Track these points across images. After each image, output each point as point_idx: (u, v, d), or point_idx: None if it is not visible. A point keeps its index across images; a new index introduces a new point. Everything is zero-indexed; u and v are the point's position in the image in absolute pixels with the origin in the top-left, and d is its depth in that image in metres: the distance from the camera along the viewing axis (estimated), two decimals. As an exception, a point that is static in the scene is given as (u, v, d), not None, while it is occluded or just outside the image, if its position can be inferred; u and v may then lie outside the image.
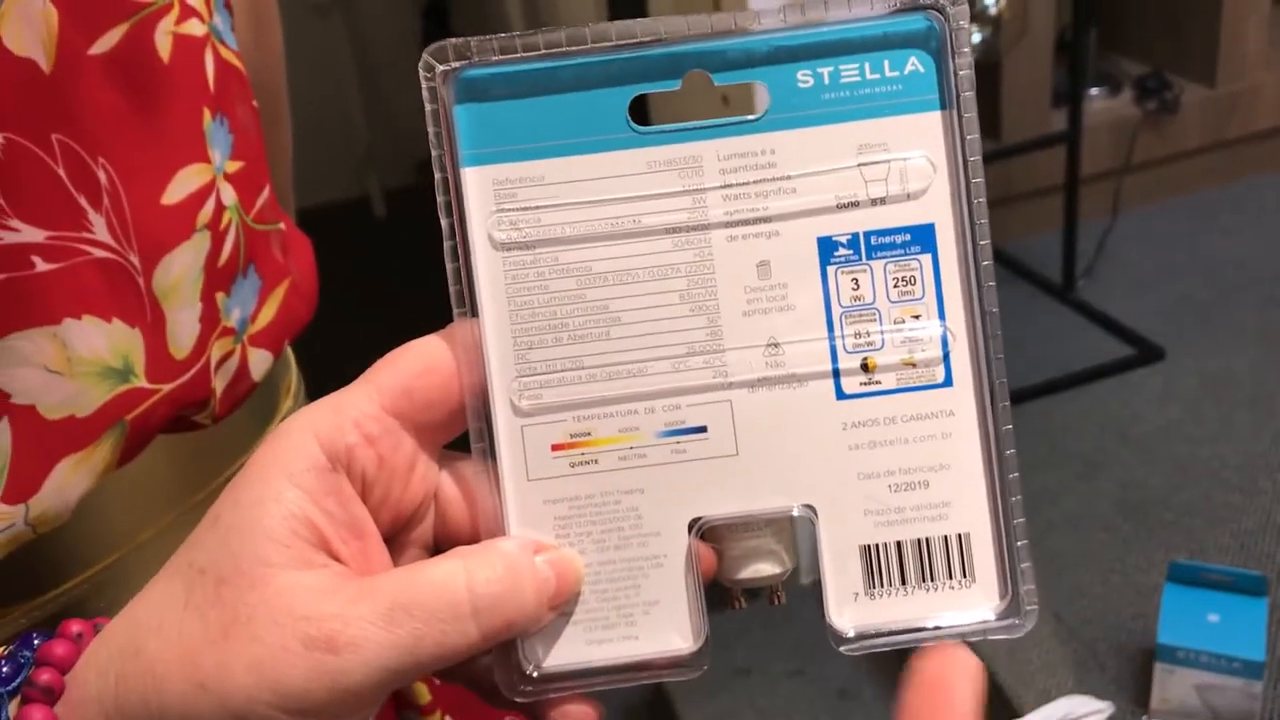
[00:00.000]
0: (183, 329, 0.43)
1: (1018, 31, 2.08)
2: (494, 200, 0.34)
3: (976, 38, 2.07)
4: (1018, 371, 2.05)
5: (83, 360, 0.40)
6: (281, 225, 0.51)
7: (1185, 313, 2.16)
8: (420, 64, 0.33)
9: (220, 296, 0.45)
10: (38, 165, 0.39)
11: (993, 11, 2.05)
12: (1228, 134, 2.52)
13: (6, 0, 0.37)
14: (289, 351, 0.56)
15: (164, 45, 0.42)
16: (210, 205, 0.43)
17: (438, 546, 0.36)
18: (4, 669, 0.32)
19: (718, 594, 0.36)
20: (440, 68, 0.33)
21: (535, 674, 0.35)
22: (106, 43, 0.40)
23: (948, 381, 0.34)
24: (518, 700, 0.35)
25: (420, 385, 0.33)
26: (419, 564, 0.32)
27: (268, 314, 0.48)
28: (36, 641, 0.33)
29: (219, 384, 0.45)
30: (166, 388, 0.43)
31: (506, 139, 0.34)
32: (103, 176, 0.40)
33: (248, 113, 0.47)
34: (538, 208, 0.34)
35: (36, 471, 0.40)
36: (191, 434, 0.46)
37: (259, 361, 0.48)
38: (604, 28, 0.33)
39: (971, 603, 0.34)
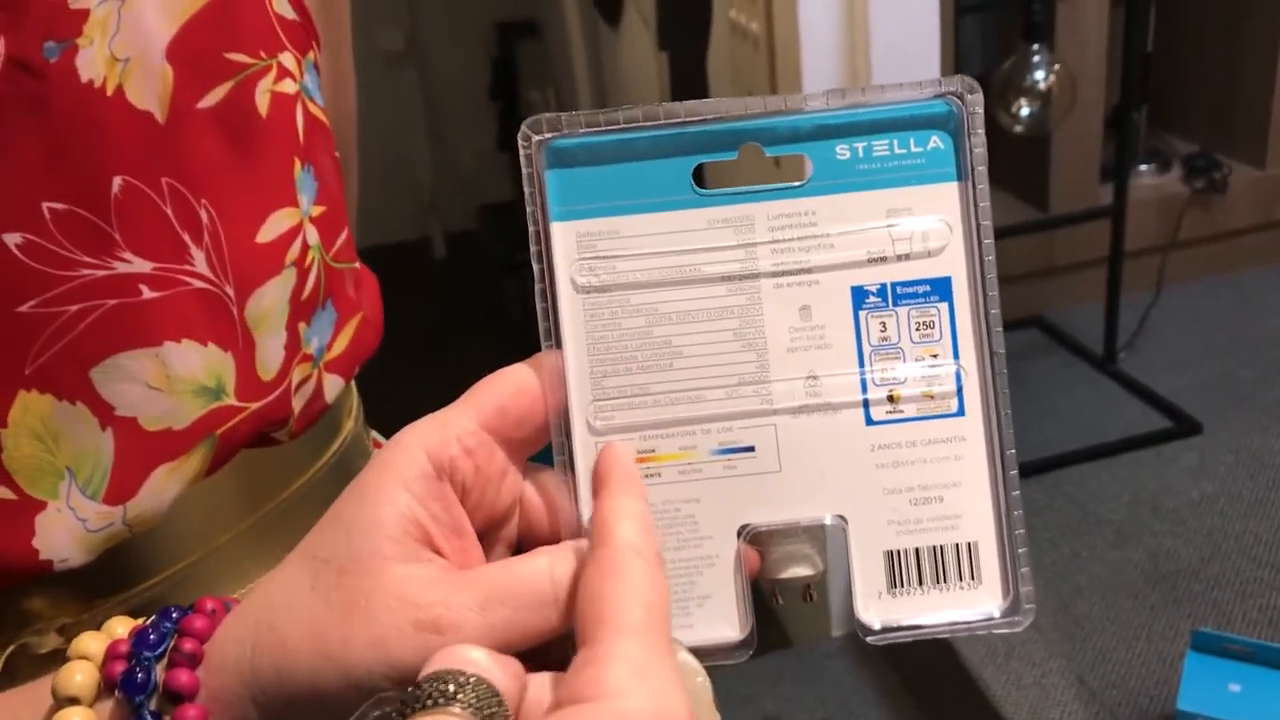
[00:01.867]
0: (270, 354, 0.48)
1: (1067, 106, 2.12)
2: (577, 250, 0.39)
3: (1025, 111, 2.11)
4: (1055, 438, 2.07)
5: (180, 379, 0.45)
6: (356, 264, 0.56)
7: (1224, 389, 2.17)
8: (519, 134, 0.39)
9: (302, 326, 0.49)
10: (149, 205, 0.44)
11: (1042, 87, 2.09)
12: (1275, 215, 2.53)
13: (133, 60, 0.43)
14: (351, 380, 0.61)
15: (263, 102, 0.47)
16: (297, 245, 0.48)
17: (520, 545, 0.41)
18: (151, 637, 0.37)
19: (758, 591, 0.41)
20: (536, 137, 0.39)
21: None
22: (213, 98, 0.45)
23: (960, 411, 0.39)
24: None
25: (512, 405, 0.38)
26: (510, 560, 0.37)
27: (341, 343, 0.53)
28: (176, 615, 0.38)
29: (297, 404, 0.50)
30: (253, 406, 0.47)
31: (589, 198, 0.39)
32: (204, 216, 0.45)
33: (330, 163, 0.52)
34: (613, 257, 0.39)
35: (135, 477, 0.45)
36: (265, 450, 0.50)
37: (332, 386, 0.52)
38: (673, 107, 0.38)
39: (978, 601, 0.39)
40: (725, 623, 0.40)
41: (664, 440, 0.40)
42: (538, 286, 0.39)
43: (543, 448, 0.40)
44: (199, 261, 0.45)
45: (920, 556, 0.40)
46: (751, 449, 0.40)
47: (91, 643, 0.38)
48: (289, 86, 0.48)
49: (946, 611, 0.39)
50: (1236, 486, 1.91)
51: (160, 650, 0.37)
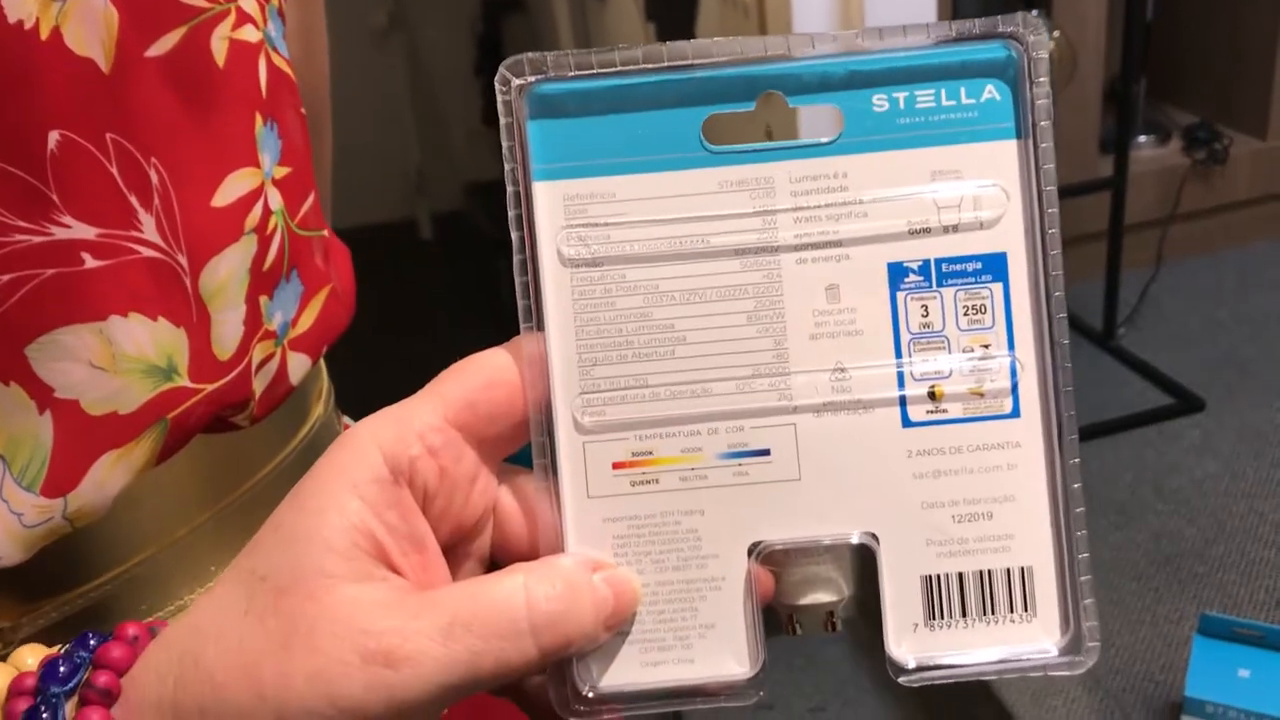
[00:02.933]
0: (227, 330, 0.44)
1: (1066, 76, 2.08)
2: (564, 215, 0.34)
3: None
4: (1054, 417, 2.04)
5: (127, 357, 0.41)
6: (325, 232, 0.51)
7: (1227, 365, 2.14)
8: (496, 78, 0.33)
9: (263, 300, 0.45)
10: (92, 163, 0.39)
11: (1041, 56, 2.05)
12: (1277, 187, 2.50)
13: (71, 1, 0.38)
14: (320, 360, 0.57)
15: (220, 50, 0.42)
16: (258, 209, 0.44)
17: (494, 559, 0.36)
18: (61, 669, 0.33)
19: (772, 618, 0.35)
20: (516, 81, 0.33)
21: (590, 694, 0.34)
22: (164, 45, 0.41)
23: (1015, 413, 0.34)
24: (570, 718, 0.34)
25: (485, 398, 0.33)
26: (479, 579, 0.32)
27: (308, 319, 0.49)
28: (93, 643, 0.33)
29: (259, 386, 0.46)
30: (209, 388, 0.43)
31: (578, 154, 0.34)
32: (154, 177, 0.41)
33: (296, 120, 0.48)
34: (607, 224, 0.34)
35: (77, 466, 0.40)
36: (225, 435, 0.46)
37: (298, 366, 0.48)
38: (680, 46, 0.33)
39: (1032, 637, 0.34)
40: (732, 657, 0.34)
41: (663, 441, 0.34)
42: (517, 258, 0.34)
43: (522, 447, 0.35)
44: (148, 227, 0.41)
45: (965, 583, 0.34)
46: (767, 453, 0.34)
47: None
48: (250, 34, 0.44)
49: (994, 649, 0.34)
50: (1241, 465, 1.88)
51: (73, 684, 0.32)
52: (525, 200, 0.34)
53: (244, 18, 0.44)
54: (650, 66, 0.33)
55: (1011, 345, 0.34)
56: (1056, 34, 2.04)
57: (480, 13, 3.65)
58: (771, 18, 1.61)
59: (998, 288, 0.34)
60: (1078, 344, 2.26)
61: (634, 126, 0.34)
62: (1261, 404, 2.02)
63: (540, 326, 0.34)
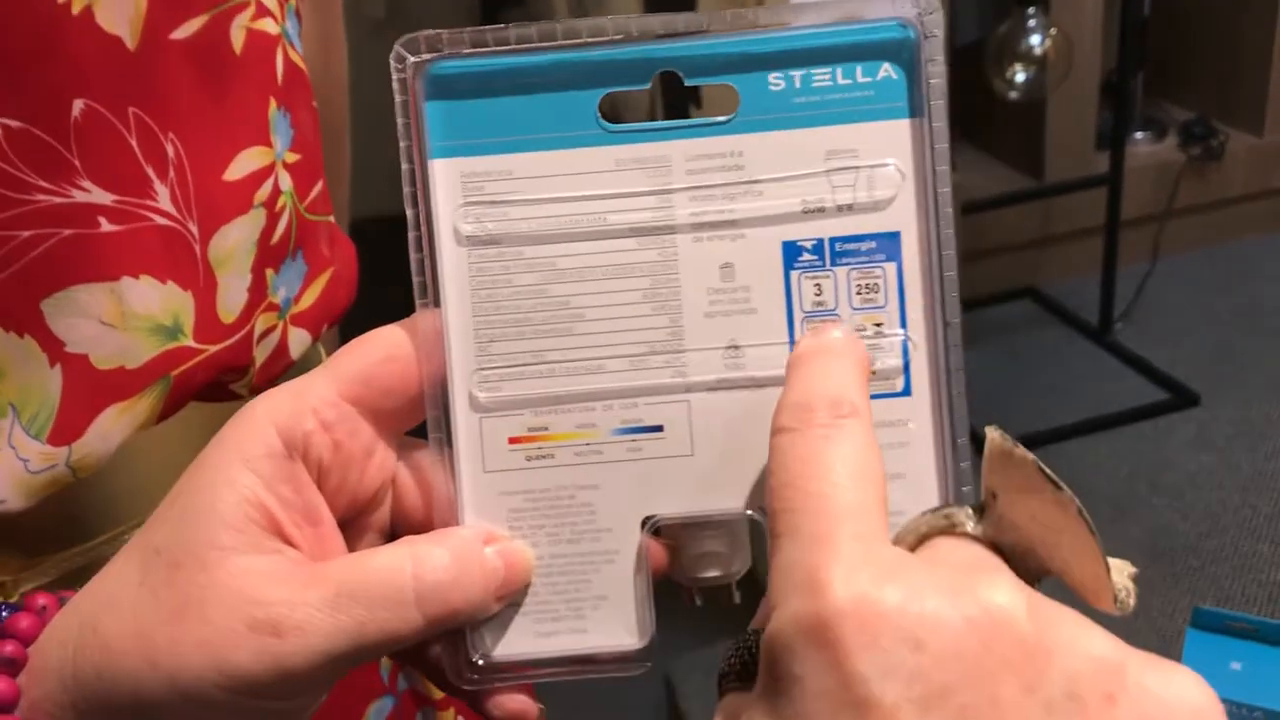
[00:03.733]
0: (231, 296, 0.45)
1: (1062, 72, 2.08)
2: (462, 193, 0.34)
3: (1020, 77, 2.07)
4: (1050, 412, 2.04)
5: (136, 316, 0.42)
6: (331, 218, 0.53)
7: (1222, 360, 2.14)
8: (391, 55, 0.33)
9: (269, 273, 0.47)
10: (113, 134, 0.41)
11: (1038, 52, 2.05)
12: (1273, 183, 2.50)
13: None
14: (319, 344, 0.58)
15: (238, 38, 0.44)
16: (268, 186, 0.45)
17: (394, 532, 0.36)
18: None
19: (673, 590, 0.36)
20: (412, 59, 0.33)
21: (483, 662, 0.35)
22: (187, 29, 0.42)
23: (906, 391, 0.34)
24: (465, 688, 0.35)
25: (379, 373, 0.33)
26: (367, 551, 0.33)
27: (310, 297, 0.50)
28: (4, 614, 0.34)
29: (259, 355, 0.47)
30: (212, 349, 0.45)
31: (476, 132, 0.34)
32: (171, 150, 0.42)
33: (308, 114, 0.49)
34: (505, 202, 0.34)
35: (82, 417, 0.41)
36: (224, 406, 0.47)
37: (298, 341, 0.49)
38: (575, 24, 0.33)
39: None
40: (623, 628, 0.35)
41: (559, 417, 0.34)
42: (412, 234, 0.34)
43: (421, 422, 0.35)
44: (163, 197, 0.42)
45: None
46: (660, 429, 0.34)
47: None
48: (269, 26, 0.46)
49: None
50: (1235, 459, 1.89)
51: None
52: (421, 178, 0.34)
53: (263, 11, 0.45)
54: (546, 45, 0.33)
55: (904, 324, 0.34)
56: (1053, 31, 2.04)
57: (478, 3, 3.66)
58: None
59: (891, 267, 0.34)
60: (1075, 339, 2.27)
61: (531, 105, 0.34)
62: (1257, 399, 2.02)
63: (437, 303, 0.34)
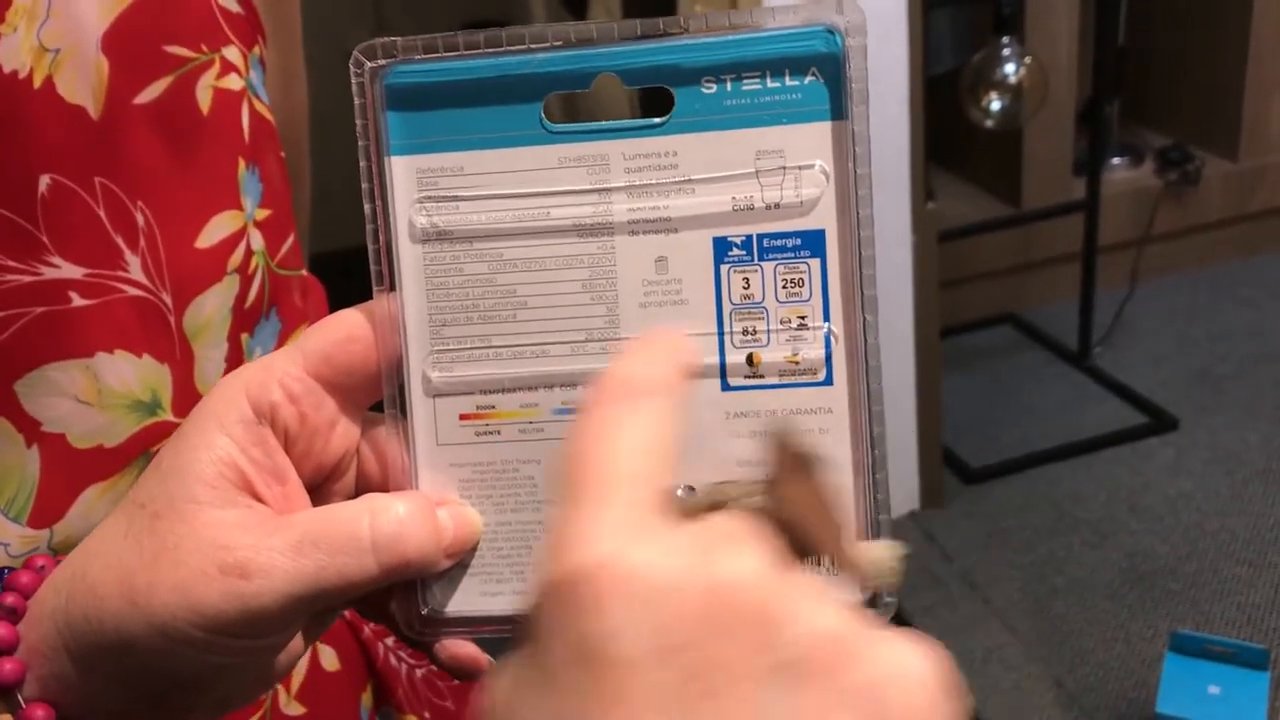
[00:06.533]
0: (210, 367, 0.46)
1: (1038, 101, 2.10)
2: (417, 188, 0.36)
3: (996, 106, 2.09)
4: (1029, 436, 2.05)
5: (113, 393, 0.42)
6: (303, 272, 0.53)
7: (1201, 384, 2.16)
8: (350, 60, 0.35)
9: (244, 337, 0.47)
10: (81, 206, 0.41)
11: (1013, 81, 2.07)
12: (1249, 208, 2.53)
13: (64, 50, 0.40)
14: None
15: (204, 98, 0.44)
16: (241, 250, 0.46)
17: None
18: None
19: None
20: (369, 64, 0.35)
21: (432, 615, 0.37)
22: (151, 93, 0.43)
23: (828, 380, 0.36)
24: (414, 637, 0.38)
25: (340, 353, 0.36)
26: (329, 506, 0.35)
27: None
28: (4, 572, 0.37)
29: None
30: None
31: (430, 132, 0.36)
32: (140, 219, 0.42)
33: (276, 164, 0.50)
34: (456, 197, 0.36)
35: (63, 498, 0.42)
36: None
37: None
38: (519, 31, 0.35)
39: (837, 588, 0.36)
40: None
41: (505, 397, 0.37)
42: (369, 226, 0.36)
43: (381, 398, 0.37)
44: (134, 267, 0.43)
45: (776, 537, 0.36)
46: None
47: None
48: (234, 83, 0.46)
49: None
50: (1213, 483, 1.90)
51: None
52: (378, 174, 0.36)
53: (228, 67, 0.45)
54: (492, 51, 0.35)
55: (827, 317, 0.36)
56: (1028, 60, 2.06)
57: (460, 30, 3.67)
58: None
59: (815, 263, 0.35)
60: (1054, 364, 2.28)
61: (481, 106, 0.36)
62: (1234, 422, 2.03)
63: (393, 289, 0.36)
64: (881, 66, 1.57)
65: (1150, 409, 2.08)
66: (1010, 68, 2.06)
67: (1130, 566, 1.75)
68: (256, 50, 0.49)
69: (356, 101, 0.36)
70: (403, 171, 0.36)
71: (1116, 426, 2.04)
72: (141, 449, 0.43)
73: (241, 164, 0.46)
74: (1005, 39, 2.06)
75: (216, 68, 0.45)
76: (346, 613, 0.58)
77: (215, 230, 0.45)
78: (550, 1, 2.85)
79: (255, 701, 0.36)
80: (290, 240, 0.51)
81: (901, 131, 1.62)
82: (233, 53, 0.46)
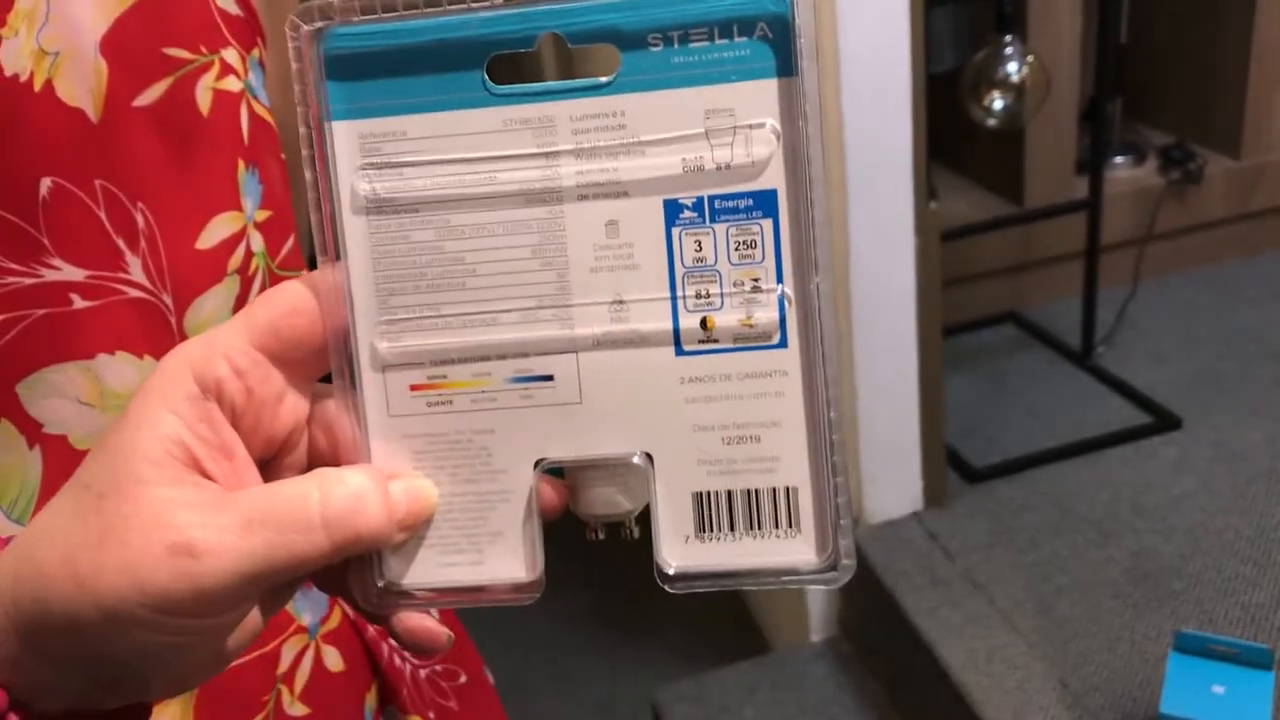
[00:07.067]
0: None
1: (1040, 99, 2.10)
2: (360, 154, 0.35)
3: (999, 105, 2.08)
4: (1032, 435, 2.05)
5: (114, 394, 0.43)
6: (303, 271, 0.53)
7: (1204, 383, 2.15)
8: (286, 24, 0.35)
9: None
10: (81, 209, 0.41)
11: (1015, 80, 2.07)
12: (1251, 206, 2.52)
13: (63, 54, 0.40)
14: None
15: (204, 100, 0.45)
16: (241, 251, 0.46)
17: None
18: None
19: (579, 526, 0.38)
20: (306, 28, 0.35)
21: (389, 588, 0.37)
22: (150, 95, 0.43)
23: (783, 343, 0.35)
24: (371, 610, 0.38)
25: (286, 325, 0.35)
26: (278, 482, 0.35)
27: None
28: None
29: None
30: None
31: (371, 95, 0.35)
32: (141, 220, 0.43)
33: (277, 165, 0.50)
34: (400, 163, 0.35)
35: None
36: None
37: None
38: None
39: (795, 551, 0.36)
40: (515, 562, 0.37)
41: (456, 366, 0.36)
42: (311, 195, 0.35)
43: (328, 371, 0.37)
44: (134, 269, 0.43)
45: (733, 499, 0.36)
46: (550, 378, 0.36)
47: None
48: (232, 84, 0.46)
49: (758, 560, 0.36)
50: (1216, 482, 1.89)
51: None
52: (318, 141, 0.35)
53: (227, 69, 0.46)
54: (433, 10, 0.34)
55: (780, 279, 0.35)
56: (1030, 59, 2.06)
57: None
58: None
59: (768, 224, 0.35)
60: (1056, 363, 2.28)
61: (423, 67, 0.35)
62: (1237, 421, 2.03)
63: (340, 259, 0.36)
64: (883, 65, 1.57)
65: (1153, 408, 2.07)
66: (1012, 67, 2.06)
67: (1134, 566, 1.75)
68: (256, 52, 0.49)
69: (294, 66, 0.35)
70: (344, 137, 0.35)
71: (1119, 426, 2.03)
72: None
73: (241, 165, 0.46)
74: (1007, 37, 2.05)
75: (215, 69, 0.45)
76: (350, 613, 0.58)
77: (215, 231, 0.45)
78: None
79: (208, 679, 0.35)
80: (290, 241, 0.51)
81: (903, 130, 1.61)
82: (231, 55, 0.46)
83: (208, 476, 0.34)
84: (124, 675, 0.35)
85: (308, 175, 0.35)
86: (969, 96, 2.09)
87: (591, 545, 0.39)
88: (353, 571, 0.37)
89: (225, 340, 0.35)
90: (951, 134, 2.38)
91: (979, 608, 1.71)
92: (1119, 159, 2.48)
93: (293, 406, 0.37)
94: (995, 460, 1.99)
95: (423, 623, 0.38)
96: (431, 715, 0.61)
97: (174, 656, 0.35)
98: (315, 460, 0.38)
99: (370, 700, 0.58)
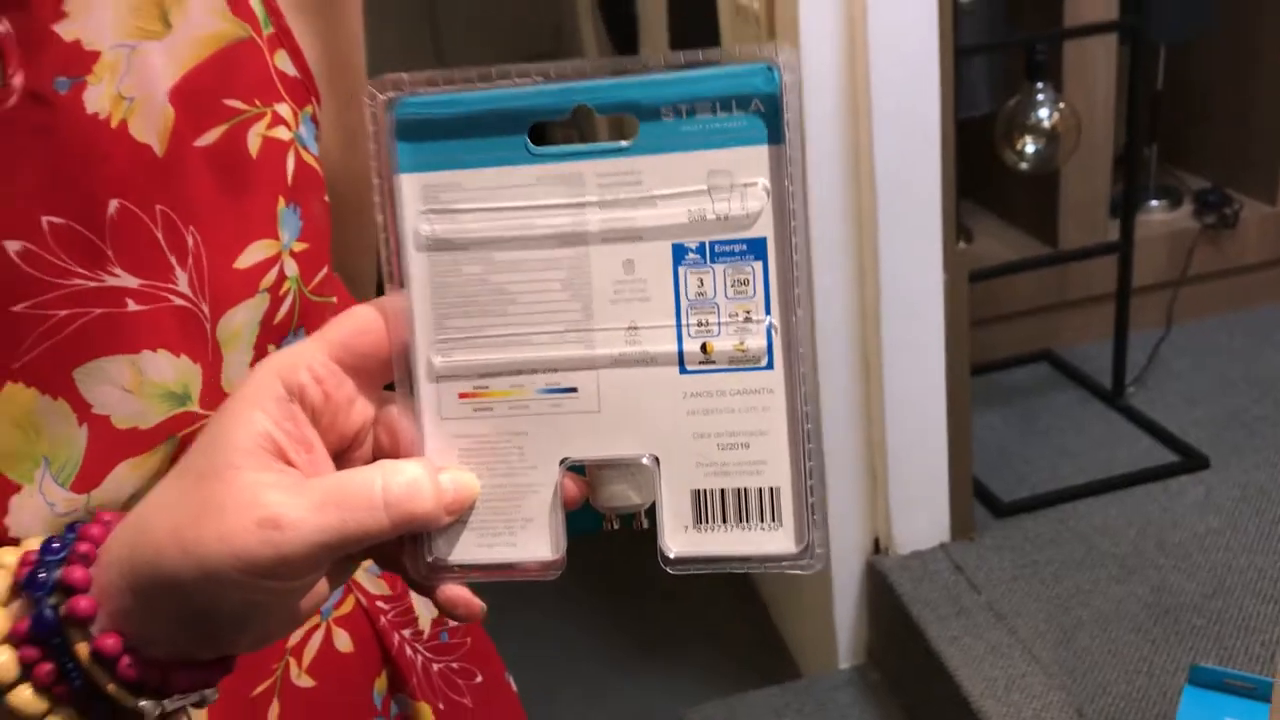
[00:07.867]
0: (235, 369, 0.52)
1: (1072, 146, 2.13)
2: (422, 201, 0.43)
3: (1031, 149, 2.13)
4: (1062, 472, 2.07)
5: (152, 384, 0.49)
6: (334, 299, 0.60)
7: (1233, 425, 2.16)
8: (364, 94, 0.42)
9: (271, 348, 0.54)
10: (141, 227, 0.48)
11: (1046, 125, 2.11)
12: (1286, 252, 2.54)
13: (138, 99, 0.48)
14: None
15: (254, 144, 0.52)
16: (274, 273, 0.53)
17: None
18: (54, 544, 0.43)
19: (598, 517, 0.45)
20: (380, 96, 0.42)
21: (436, 563, 0.44)
22: (209, 138, 0.50)
23: (769, 365, 0.42)
24: (421, 581, 0.45)
25: (356, 342, 0.43)
26: (349, 470, 0.42)
27: None
28: (78, 526, 0.43)
29: None
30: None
31: (433, 153, 0.42)
32: (190, 241, 0.50)
33: (320, 207, 0.57)
34: (456, 210, 0.42)
35: (101, 469, 0.49)
36: None
37: None
38: (507, 68, 0.41)
39: (776, 542, 0.43)
40: (542, 543, 0.44)
41: (497, 379, 0.43)
42: (381, 235, 0.43)
43: (392, 380, 0.44)
44: (181, 281, 0.50)
45: (725, 497, 0.42)
46: (575, 390, 0.43)
47: (8, 555, 0.43)
48: (283, 134, 0.53)
49: (746, 548, 0.42)
50: (1243, 521, 1.91)
51: (63, 554, 0.43)
52: (389, 190, 0.43)
53: (278, 120, 0.53)
54: (485, 85, 0.42)
55: (768, 311, 0.42)
56: (1062, 105, 2.10)
57: (525, 52, 3.75)
58: (781, 27, 1.67)
59: (759, 266, 0.42)
60: (1087, 402, 2.30)
61: (476, 132, 0.42)
62: (1265, 462, 2.04)
63: (404, 287, 0.43)
64: (913, 109, 1.62)
65: (1181, 448, 2.09)
66: (1044, 112, 2.09)
67: (1155, 601, 1.77)
68: (309, 109, 0.56)
69: (370, 128, 0.42)
70: (410, 187, 0.43)
71: (1148, 464, 2.05)
72: (169, 433, 0.50)
73: (282, 201, 0.53)
74: (1039, 84, 2.09)
75: (267, 119, 0.52)
76: (363, 601, 0.64)
77: (252, 254, 0.52)
78: (600, 35, 2.92)
79: (277, 643, 0.43)
80: (324, 271, 0.57)
81: (933, 173, 1.66)
82: (284, 109, 0.53)
83: (290, 464, 0.41)
84: (217, 630, 0.42)
85: (379, 218, 0.43)
86: (1001, 141, 2.14)
87: (608, 534, 0.45)
88: (406, 549, 0.44)
89: (307, 353, 0.42)
90: (988, 175, 2.42)
91: (1001, 638, 1.74)
92: (1154, 202, 2.51)
93: (362, 409, 0.44)
94: (1024, 495, 2.02)
95: (462, 593, 0.45)
96: (441, 706, 0.66)
97: (258, 614, 0.41)
98: (379, 454, 0.45)
99: (380, 685, 0.63)
